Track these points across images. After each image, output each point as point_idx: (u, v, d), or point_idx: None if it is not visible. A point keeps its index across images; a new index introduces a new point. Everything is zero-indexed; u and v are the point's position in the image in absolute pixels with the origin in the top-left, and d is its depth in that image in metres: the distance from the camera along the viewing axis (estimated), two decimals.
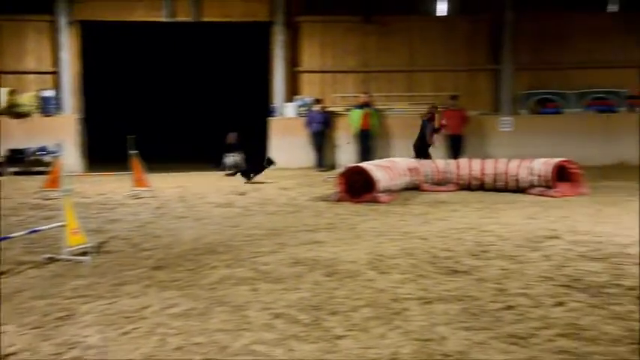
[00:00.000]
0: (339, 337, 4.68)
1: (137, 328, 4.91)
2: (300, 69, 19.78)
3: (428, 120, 15.43)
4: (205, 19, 19.23)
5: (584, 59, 19.27)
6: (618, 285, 5.94)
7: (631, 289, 5.81)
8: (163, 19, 19.06)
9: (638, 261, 6.85)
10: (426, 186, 13.27)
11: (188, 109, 23.03)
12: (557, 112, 18.47)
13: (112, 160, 16.55)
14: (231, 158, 18.81)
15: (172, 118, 23.04)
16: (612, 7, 19.81)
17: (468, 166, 13.33)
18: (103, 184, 14.78)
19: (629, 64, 19.21)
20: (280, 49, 19.16)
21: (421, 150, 14.99)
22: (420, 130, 15.31)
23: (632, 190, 12.52)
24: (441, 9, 20.12)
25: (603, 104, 18.44)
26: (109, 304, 5.54)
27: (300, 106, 18.82)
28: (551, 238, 8.17)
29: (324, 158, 18.08)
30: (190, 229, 9.09)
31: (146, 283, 6.17)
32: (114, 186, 14.09)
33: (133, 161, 12.87)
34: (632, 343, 4.50)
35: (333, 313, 5.21)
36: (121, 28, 19.64)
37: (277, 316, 5.16)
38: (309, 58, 19.82)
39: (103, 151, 19.44)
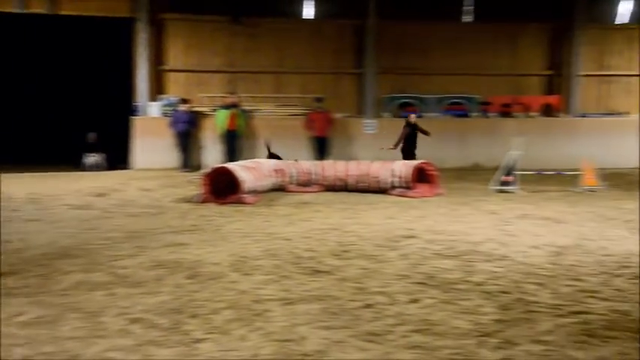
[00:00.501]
0: (199, 341, 4.61)
1: None
2: (165, 68, 19.36)
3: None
4: (62, 13, 18.33)
5: (441, 66, 20.24)
6: (468, 281, 6.26)
7: (479, 284, 6.14)
8: (15, 10, 17.96)
9: (486, 258, 7.26)
10: (291, 187, 13.39)
11: (45, 107, 21.79)
12: (417, 116, 19.21)
13: None
14: (92, 158, 18.11)
15: (27, 116, 21.72)
16: (467, 18, 20.93)
17: (332, 168, 13.58)
18: None
19: (482, 71, 20.39)
20: (143, 47, 18.63)
21: (408, 153, 15.65)
22: (406, 135, 15.80)
23: (484, 191, 13.27)
24: (309, 13, 20.40)
25: (459, 109, 19.44)
26: None
27: (164, 106, 18.40)
28: (409, 237, 8.48)
29: (189, 159, 17.77)
30: (43, 233, 8.62)
31: None
32: None
33: None
34: (479, 336, 4.76)
35: (194, 316, 5.12)
36: None
37: (134, 321, 5.00)
38: (175, 56, 19.45)
39: None
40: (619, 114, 20.23)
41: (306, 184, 13.54)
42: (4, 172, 13.02)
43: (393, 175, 12.97)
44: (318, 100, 17.91)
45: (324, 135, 17.38)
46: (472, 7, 20.78)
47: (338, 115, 18.61)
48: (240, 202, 11.37)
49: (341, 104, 19.65)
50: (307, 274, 6.52)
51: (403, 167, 12.98)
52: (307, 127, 17.48)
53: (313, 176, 13.57)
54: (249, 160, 13.77)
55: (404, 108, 19.47)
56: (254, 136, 18.25)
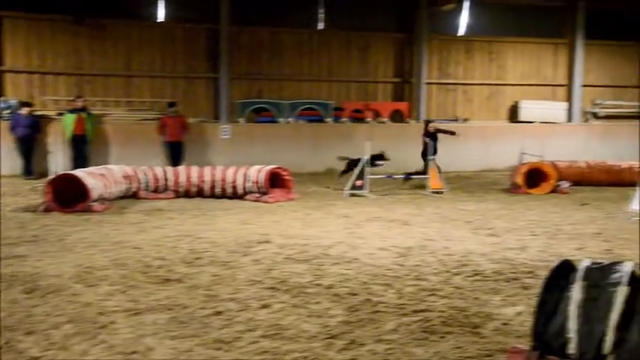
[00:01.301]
0: (34, 359, 4.35)
1: None
2: (3, 68, 18.15)
3: (431, 135, 15.54)
4: None
5: (295, 72, 20.52)
6: (318, 284, 6.38)
7: (329, 287, 6.27)
8: None
9: (336, 261, 7.43)
10: (143, 194, 12.99)
11: None
12: (272, 121, 19.36)
13: None
14: None
15: None
16: (320, 25, 21.37)
17: (186, 174, 13.34)
18: None
19: (334, 78, 20.90)
20: None
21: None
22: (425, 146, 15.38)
23: (337, 195, 13.57)
24: (160, 15, 19.93)
25: (312, 114, 19.76)
26: None
27: (3, 109, 17.22)
28: (263, 242, 8.50)
29: (32, 165, 16.73)
30: None
31: None
32: None
33: None
34: (327, 338, 4.85)
35: (30, 333, 4.83)
36: None
37: None
38: (13, 56, 18.26)
39: None
40: (461, 120, 21.45)
41: (158, 190, 13.20)
42: None
43: (248, 181, 12.95)
44: (172, 104, 17.51)
45: (177, 140, 17.01)
46: (324, 15, 21.24)
47: (192, 120, 18.31)
48: (88, 210, 10.89)
49: (195, 109, 19.36)
50: (156, 283, 6.36)
51: (258, 172, 12.99)
52: (160, 132, 17.04)
53: (166, 182, 13.26)
54: (98, 167, 13.21)
55: (258, 113, 19.52)
56: (104, 142, 17.52)
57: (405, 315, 5.40)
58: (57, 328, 4.97)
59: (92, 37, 18.76)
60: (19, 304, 5.55)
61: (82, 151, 16.61)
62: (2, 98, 17.64)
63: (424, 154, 15.19)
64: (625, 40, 23.02)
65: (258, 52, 20.22)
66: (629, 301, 3.71)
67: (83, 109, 16.84)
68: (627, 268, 3.89)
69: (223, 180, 13.11)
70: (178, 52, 19.68)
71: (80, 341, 4.70)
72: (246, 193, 12.93)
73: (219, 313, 5.44)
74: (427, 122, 16.25)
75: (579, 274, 3.93)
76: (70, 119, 16.56)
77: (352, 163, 14.37)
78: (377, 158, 14.44)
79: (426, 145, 15.13)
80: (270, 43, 20.34)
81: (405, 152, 19.07)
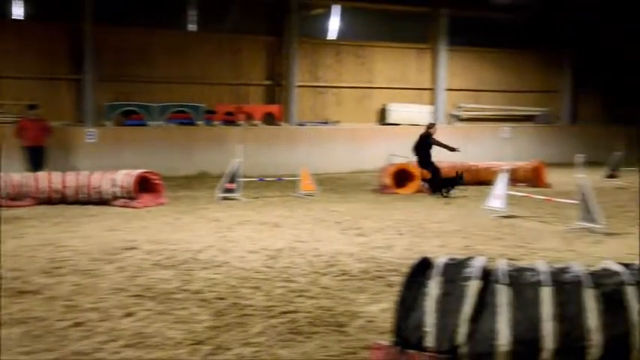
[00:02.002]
0: None
1: None
2: None
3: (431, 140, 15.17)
4: None
5: (166, 74, 20.04)
6: (186, 290, 6.25)
7: (196, 292, 6.16)
8: None
9: (205, 265, 7.32)
10: (0, 201, 12.23)
11: None
12: (142, 125, 18.82)
13: None
14: None
15: None
16: (191, 27, 21.03)
17: (47, 179, 12.69)
18: None
19: (206, 80, 20.63)
20: None
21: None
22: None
23: (209, 199, 13.39)
24: (17, 13, 18.83)
25: (184, 117, 19.41)
26: None
27: None
28: (129, 249, 8.25)
29: None
30: None
31: None
32: None
33: None
34: (192, 344, 4.76)
35: None
36: None
37: None
38: None
39: None
40: (332, 123, 21.84)
41: (17, 197, 12.46)
42: None
43: (115, 186, 12.51)
44: (32, 107, 16.58)
45: (38, 144, 16.11)
46: (196, 18, 20.93)
47: (55, 124, 17.44)
48: None
49: (58, 112, 18.43)
50: (10, 295, 5.99)
51: (125, 177, 12.58)
52: (18, 136, 16.10)
53: (25, 189, 12.54)
54: None
55: (127, 116, 18.93)
56: None
57: (272, 317, 5.39)
58: None
59: None
60: None
61: None
62: None
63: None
64: (485, 47, 24.36)
65: (127, 53, 19.55)
66: (481, 294, 3.91)
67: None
68: (479, 263, 4.09)
69: (89, 185, 12.59)
70: (38, 52, 18.62)
71: None
72: (113, 198, 12.49)
73: (79, 324, 5.20)
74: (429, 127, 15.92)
75: (436, 271, 4.09)
76: None
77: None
78: (454, 182, 14.41)
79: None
80: (139, 44, 19.74)
81: (278, 155, 19.21)
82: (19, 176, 12.78)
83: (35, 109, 16.54)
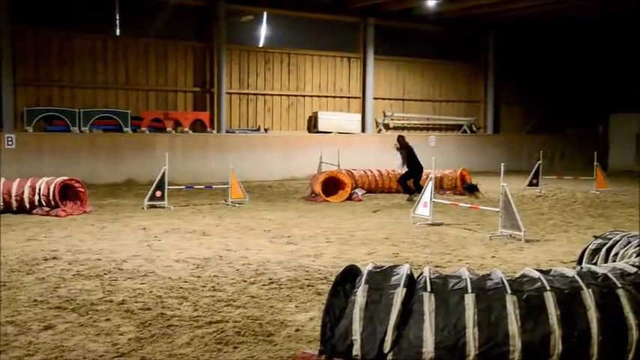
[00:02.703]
0: None
1: None
2: None
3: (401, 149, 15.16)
4: None
5: (90, 79, 19.52)
6: (109, 301, 6.08)
7: (121, 303, 6.00)
8: None
9: (131, 275, 7.15)
10: None
11: None
12: (65, 131, 18.29)
13: None
14: None
15: None
16: (116, 32, 20.55)
17: None
18: None
19: (132, 86, 20.19)
20: None
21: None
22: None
23: (135, 207, 13.12)
24: None
25: (109, 124, 18.96)
26: None
27: None
28: (50, 259, 7.99)
29: None
30: None
31: None
32: None
33: None
34: (115, 357, 4.62)
35: None
36: None
37: None
38: None
39: None
40: (262, 130, 21.78)
41: None
42: None
43: (36, 194, 12.10)
44: None
45: None
46: (121, 22, 20.49)
47: None
48: None
49: None
50: None
51: (47, 185, 12.17)
52: None
53: None
54: None
55: (49, 122, 18.35)
56: None
57: (199, 327, 5.30)
58: None
59: None
60: None
61: None
62: None
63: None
64: (412, 57, 24.83)
65: (49, 56, 18.95)
66: (406, 302, 3.95)
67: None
68: (404, 270, 4.15)
69: (7, 193, 12.12)
70: None
71: None
72: (33, 206, 12.07)
73: None
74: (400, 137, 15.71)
75: (363, 278, 4.12)
76: None
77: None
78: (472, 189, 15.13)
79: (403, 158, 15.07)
80: (61, 47, 19.16)
81: (208, 162, 19.01)
82: None
83: None
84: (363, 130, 23.36)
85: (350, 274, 4.27)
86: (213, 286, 6.66)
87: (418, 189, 13.99)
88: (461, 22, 24.35)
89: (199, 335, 5.11)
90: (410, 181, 15.07)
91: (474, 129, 26.04)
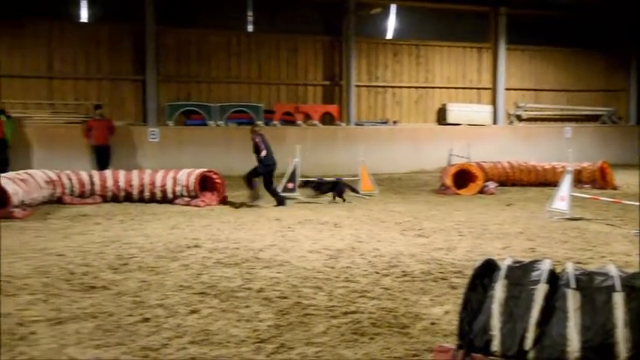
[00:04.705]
0: None
1: None
2: None
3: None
4: None
5: (225, 74, 20.34)
6: (248, 288, 6.32)
7: (259, 291, 6.22)
8: None
9: (267, 264, 7.39)
10: (68, 199, 12.63)
11: None
12: (202, 124, 19.15)
13: None
14: None
15: None
16: (249, 28, 21.26)
17: (113, 178, 13.04)
18: None
19: (264, 80, 20.81)
20: None
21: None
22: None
23: (268, 198, 13.48)
24: (83, 15, 19.38)
25: (243, 117, 19.65)
26: None
27: None
28: (192, 247, 8.39)
29: None
30: None
31: None
32: None
33: None
34: (256, 342, 4.81)
35: None
36: None
37: None
38: None
39: None
40: (390, 122, 21.76)
41: (84, 195, 12.84)
42: None
43: (178, 184, 12.77)
44: (98, 107, 17.12)
45: (104, 144, 16.63)
46: (254, 18, 21.15)
47: (119, 123, 17.93)
48: (9, 216, 10.50)
49: (121, 112, 18.95)
50: (81, 290, 6.18)
51: (188, 176, 12.81)
52: (86, 136, 16.63)
53: (92, 187, 12.91)
54: (19, 172, 12.74)
55: (188, 116, 19.28)
56: (25, 146, 16.94)
57: (334, 317, 5.40)
58: None
59: (12, 37, 18.06)
60: None
61: (1, 155, 16.01)
62: None
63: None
64: (545, 46, 23.87)
65: (187, 53, 19.95)
66: (548, 298, 3.83)
67: (2, 112, 16.25)
68: (546, 266, 4.01)
69: (152, 184, 12.88)
70: (103, 53, 19.18)
71: None
72: (175, 197, 12.74)
73: (146, 319, 5.32)
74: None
75: (502, 273, 4.02)
76: None
77: (316, 186, 13.44)
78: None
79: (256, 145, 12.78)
80: (199, 44, 20.10)
81: (337, 154, 19.24)
82: (86, 174, 13.16)
83: (100, 109, 17.05)
84: (495, 121, 22.76)
85: (488, 268, 4.18)
86: (346, 277, 6.76)
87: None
88: (599, 8, 23.08)
89: (335, 325, 5.21)
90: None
91: (615, 119, 24.66)
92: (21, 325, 5.10)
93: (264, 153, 12.57)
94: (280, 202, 12.66)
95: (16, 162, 15.95)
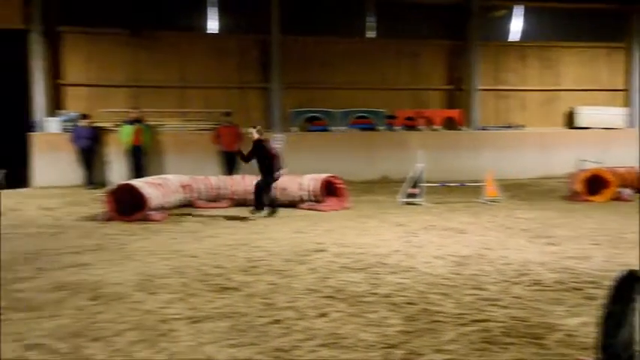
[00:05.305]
0: None
1: None
2: (64, 82, 18.69)
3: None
4: None
5: (346, 80, 20.55)
6: (375, 293, 6.35)
7: (386, 296, 6.23)
8: None
9: (393, 270, 7.39)
10: (199, 203, 13.19)
11: None
12: (325, 130, 19.42)
13: None
14: None
15: None
16: (370, 34, 21.36)
17: (242, 182, 13.49)
18: None
19: (385, 86, 20.85)
20: (39, 60, 17.88)
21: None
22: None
23: (391, 203, 13.52)
24: (212, 27, 20.25)
25: (365, 123, 19.75)
26: None
27: (64, 121, 17.74)
28: (318, 251, 8.52)
29: (93, 175, 17.21)
30: None
31: None
32: None
33: None
34: (385, 348, 4.82)
35: (95, 340, 4.95)
36: None
37: (31, 347, 4.78)
38: (74, 70, 18.80)
39: None
40: (516, 127, 21.13)
41: (214, 199, 13.38)
42: None
43: (302, 189, 13.02)
44: (227, 114, 17.78)
45: (232, 149, 17.21)
46: (374, 24, 21.25)
47: (245, 130, 18.51)
48: (147, 219, 11.11)
49: (247, 118, 19.50)
50: (215, 291, 6.44)
51: (312, 181, 13.05)
52: (215, 142, 17.31)
53: (222, 191, 13.43)
54: (155, 177, 13.47)
55: (311, 122, 19.62)
56: (160, 152, 17.89)
57: (464, 325, 5.32)
58: (120, 335, 5.07)
59: (148, 50, 19.18)
60: (84, 311, 5.69)
61: (139, 161, 17.00)
62: (64, 111, 18.19)
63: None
64: None
65: (310, 61, 20.34)
66: None
67: (139, 121, 17.24)
68: None
69: (277, 188, 13.17)
70: (231, 63, 19.93)
71: (142, 348, 4.79)
72: (299, 201, 12.99)
73: (277, 321, 5.46)
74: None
75: None
76: (127, 130, 16.98)
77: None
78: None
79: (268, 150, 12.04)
80: (321, 52, 20.43)
81: (460, 160, 18.92)
82: (216, 179, 13.71)
83: (229, 116, 17.70)
84: (630, 124, 21.56)
85: (630, 280, 3.98)
86: (474, 285, 6.64)
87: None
88: None
89: (464, 333, 5.13)
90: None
91: None
92: (162, 323, 5.38)
93: (278, 159, 11.85)
94: (274, 212, 11.86)
95: (151, 167, 16.91)
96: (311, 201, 12.90)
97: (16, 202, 13.88)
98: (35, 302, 5.99)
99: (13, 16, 17.81)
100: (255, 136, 12.19)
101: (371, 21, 21.26)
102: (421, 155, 13.52)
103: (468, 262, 7.74)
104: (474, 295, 6.25)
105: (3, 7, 17.73)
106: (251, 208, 12.01)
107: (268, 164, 11.90)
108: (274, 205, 12.09)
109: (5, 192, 16.17)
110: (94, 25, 18.72)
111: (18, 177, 17.11)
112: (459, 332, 5.15)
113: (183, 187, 13.06)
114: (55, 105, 18.35)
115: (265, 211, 11.89)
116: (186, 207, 12.95)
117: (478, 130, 20.55)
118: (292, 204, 13.00)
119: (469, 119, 20.72)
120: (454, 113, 20.70)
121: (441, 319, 5.51)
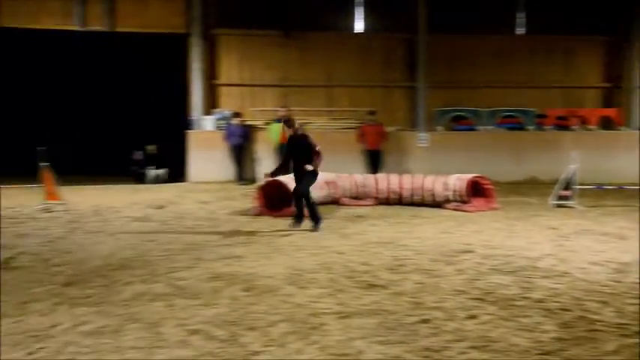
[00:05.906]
0: (256, 353, 4.64)
1: (44, 348, 4.71)
2: (219, 82, 19.64)
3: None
4: (119, 30, 18.84)
5: (494, 79, 20.01)
6: (527, 297, 6.14)
7: (539, 301, 6.01)
8: (75, 28, 18.56)
9: (545, 274, 7.11)
10: (345, 200, 13.37)
11: (102, 120, 22.31)
12: (471, 129, 19.02)
13: (21, 173, 15.60)
14: (153, 172, 18.46)
15: (85, 130, 22.27)
16: (519, 30, 20.66)
17: (386, 181, 13.52)
18: (12, 196, 14.09)
19: (535, 84, 20.09)
20: (197, 62, 18.94)
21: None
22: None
23: (541, 205, 13.01)
24: (359, 27, 20.44)
25: (513, 122, 19.13)
26: (15, 322, 5.29)
27: (218, 120, 18.65)
28: (465, 252, 8.37)
29: (244, 172, 17.96)
30: (104, 244, 8.82)
31: (56, 301, 5.94)
32: (23, 199, 13.49)
33: (43, 174, 12.37)
34: (540, 354, 4.65)
35: (251, 329, 5.16)
36: (30, 35, 18.92)
37: (193, 332, 5.07)
38: (228, 71, 19.72)
39: (11, 164, 18.53)
40: None
41: (359, 197, 13.51)
42: (65, 183, 13.28)
43: (448, 189, 12.83)
44: (371, 113, 17.89)
45: (377, 148, 17.32)
46: (524, 20, 20.53)
47: (390, 129, 18.55)
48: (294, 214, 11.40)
49: (392, 117, 19.57)
50: (362, 287, 6.50)
51: (458, 181, 12.83)
52: (360, 140, 17.48)
53: (366, 189, 13.53)
54: None
55: (457, 121, 19.29)
56: None
57: (627, 336, 5.02)
58: (273, 325, 5.25)
59: (298, 50, 19.73)
60: (239, 301, 5.95)
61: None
62: (218, 110, 19.12)
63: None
64: None
65: (456, 59, 20.03)
66: None
67: (287, 120, 17.71)
68: None
69: (422, 188, 13.10)
70: (376, 62, 20.06)
71: (295, 340, 4.93)
72: (445, 201, 12.81)
73: (425, 321, 5.43)
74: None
75: None
76: (275, 128, 17.51)
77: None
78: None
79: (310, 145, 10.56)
80: (468, 50, 20.05)
81: (618, 161, 17.85)
82: (361, 177, 13.84)
83: (374, 115, 17.79)
84: None
85: None
86: (637, 294, 6.24)
87: None
88: None
89: (628, 345, 4.84)
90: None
91: None
92: (312, 316, 5.52)
93: (320, 156, 10.26)
94: (317, 224, 10.11)
95: None
96: (457, 201, 12.68)
97: (175, 195, 14.79)
98: (195, 290, 6.34)
99: (176, 21, 19.00)
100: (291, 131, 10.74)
101: (520, 17, 20.57)
102: (575, 156, 12.89)
103: (629, 269, 7.29)
104: (637, 304, 5.88)
105: (167, 13, 18.96)
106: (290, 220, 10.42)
107: (305, 163, 10.18)
108: (316, 216, 10.14)
109: (166, 186, 17.28)
110: (247, 27, 19.51)
111: (177, 172, 18.23)
112: (622, 343, 4.86)
113: (328, 183, 13.27)
114: (210, 104, 19.32)
115: (308, 223, 10.18)
116: (331, 204, 13.15)
117: (637, 130, 19.28)
118: (437, 204, 12.84)
119: (628, 118, 19.49)
120: (611, 112, 19.57)
121: (600, 327, 5.23)
